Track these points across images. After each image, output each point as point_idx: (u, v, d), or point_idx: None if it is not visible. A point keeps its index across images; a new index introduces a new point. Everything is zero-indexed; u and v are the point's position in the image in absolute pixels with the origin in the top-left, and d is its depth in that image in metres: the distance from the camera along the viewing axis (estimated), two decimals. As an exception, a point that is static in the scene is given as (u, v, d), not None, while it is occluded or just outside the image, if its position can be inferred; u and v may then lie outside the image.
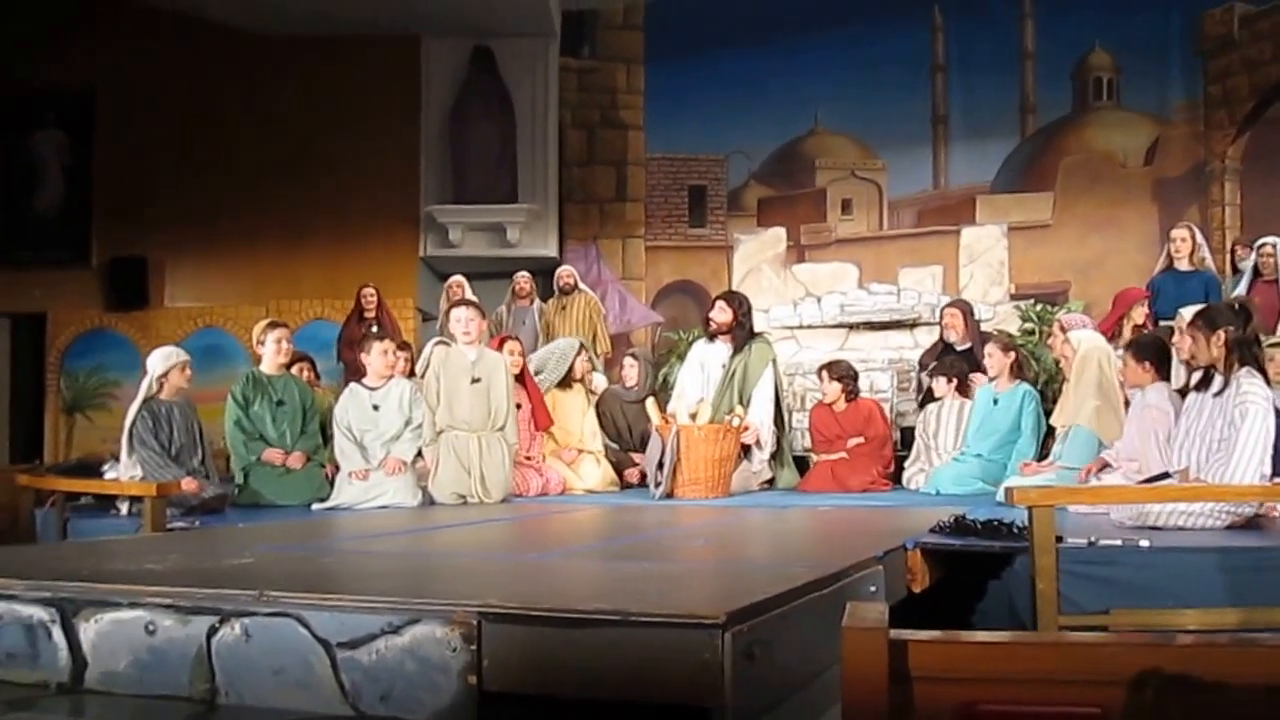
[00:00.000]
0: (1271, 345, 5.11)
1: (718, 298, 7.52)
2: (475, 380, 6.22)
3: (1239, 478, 3.93)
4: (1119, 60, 10.40)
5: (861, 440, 7.08)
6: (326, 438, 6.44)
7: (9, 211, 10.69)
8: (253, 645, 2.24)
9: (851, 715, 1.51)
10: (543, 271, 10.04)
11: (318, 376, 7.78)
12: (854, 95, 10.76)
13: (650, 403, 6.96)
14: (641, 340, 10.95)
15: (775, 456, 7.17)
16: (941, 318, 7.82)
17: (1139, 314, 7.31)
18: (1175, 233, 7.89)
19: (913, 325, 9.12)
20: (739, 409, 6.85)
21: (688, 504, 6.10)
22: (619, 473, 7.50)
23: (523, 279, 9.69)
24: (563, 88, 11.02)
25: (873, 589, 3.01)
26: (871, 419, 7.17)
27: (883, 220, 10.86)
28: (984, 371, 6.88)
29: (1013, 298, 9.77)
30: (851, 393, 7.21)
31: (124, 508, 5.46)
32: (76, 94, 10.67)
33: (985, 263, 10.11)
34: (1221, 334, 4.16)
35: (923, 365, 7.81)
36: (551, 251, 10.70)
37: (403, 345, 7.12)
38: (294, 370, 6.82)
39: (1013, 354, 6.74)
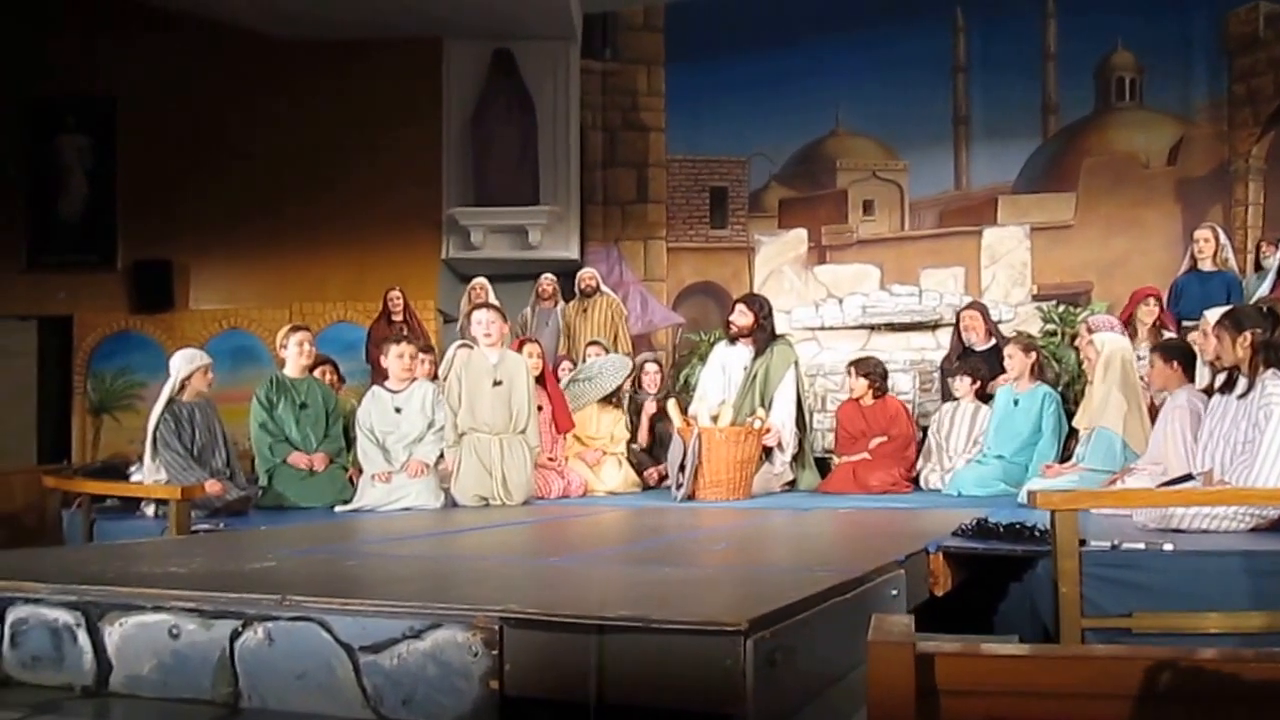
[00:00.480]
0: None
1: (737, 301, 7.52)
2: (497, 383, 6.23)
3: (1263, 480, 3.90)
4: (1142, 60, 10.33)
5: (885, 439, 7.07)
6: (349, 440, 6.47)
7: (35, 216, 10.79)
8: (275, 649, 2.25)
9: (877, 728, 1.51)
10: (564, 273, 10.05)
11: (341, 379, 7.81)
12: (875, 96, 10.72)
13: (672, 404, 6.97)
14: (663, 341, 10.96)
15: (797, 458, 7.16)
16: (959, 320, 7.79)
17: (1146, 313, 7.26)
18: (1199, 233, 7.84)
19: (934, 326, 9.10)
20: (760, 411, 6.84)
21: (709, 506, 6.10)
22: (639, 474, 7.53)
23: (546, 281, 9.72)
24: (584, 90, 11.03)
25: (894, 593, 3.00)
26: (897, 418, 7.18)
27: (904, 221, 10.82)
28: (1005, 372, 6.86)
29: (1035, 298, 9.72)
30: (879, 390, 7.21)
31: (149, 509, 5.50)
32: (99, 98, 10.76)
33: (1007, 263, 10.06)
34: (1247, 336, 4.14)
35: (945, 370, 7.78)
36: (573, 253, 10.71)
37: (427, 348, 7.14)
38: (317, 373, 6.86)
39: (1033, 355, 6.72)
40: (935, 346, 8.87)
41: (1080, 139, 10.50)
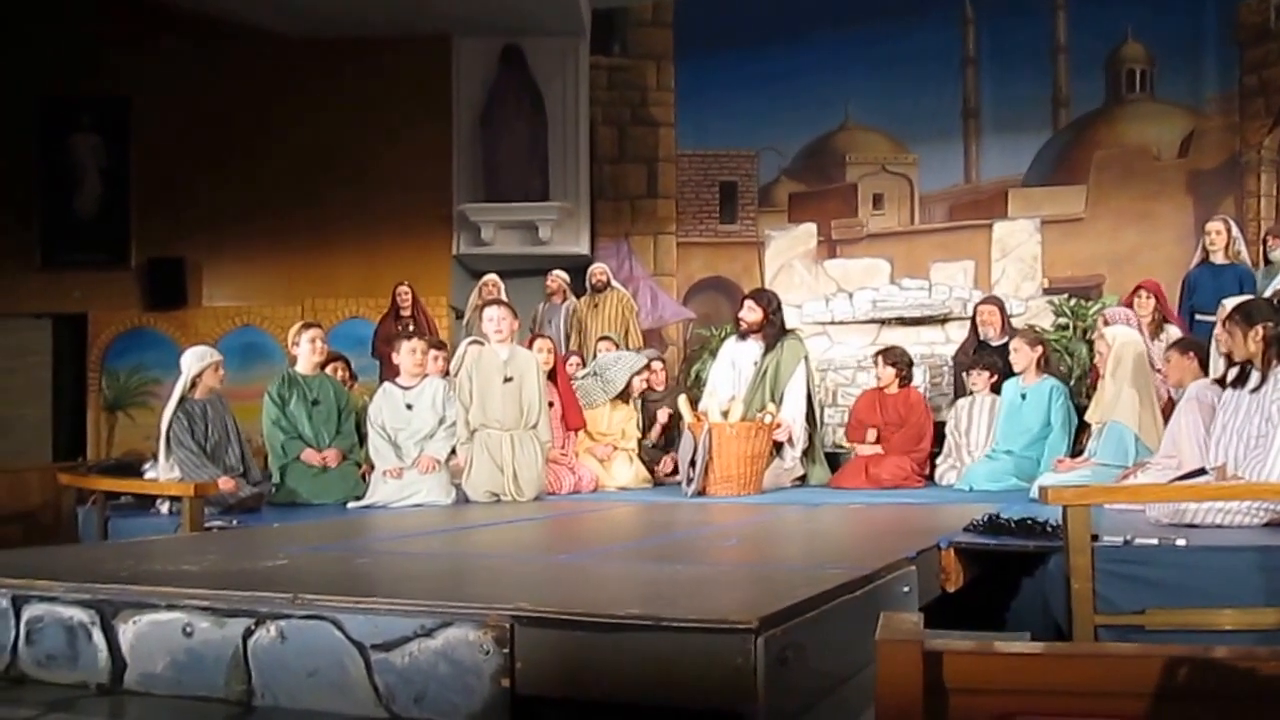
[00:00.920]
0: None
1: (746, 297, 7.51)
2: (508, 379, 6.24)
3: (1277, 475, 3.88)
4: (1152, 52, 10.29)
5: (887, 447, 7.05)
6: (361, 437, 6.48)
7: (49, 215, 10.84)
8: (288, 647, 2.26)
9: (886, 726, 1.51)
10: (575, 269, 10.07)
11: (353, 376, 7.83)
12: (884, 89, 10.70)
13: (682, 400, 6.97)
14: (674, 336, 10.97)
15: (807, 453, 7.16)
16: (976, 315, 7.76)
17: (1140, 306, 7.22)
18: (1211, 225, 7.78)
19: (944, 320, 9.06)
20: (771, 406, 6.84)
21: (720, 502, 6.10)
22: (650, 469, 7.54)
23: (553, 278, 9.74)
24: (593, 85, 11.05)
25: (906, 589, 3.00)
26: (916, 407, 7.20)
27: (914, 215, 10.81)
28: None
29: (1045, 292, 9.68)
30: (905, 379, 7.22)
31: (163, 507, 5.54)
32: (112, 98, 10.81)
33: (1018, 257, 10.01)
34: (1259, 329, 4.11)
35: (959, 365, 7.76)
36: (583, 249, 10.73)
37: (439, 344, 7.15)
38: (329, 370, 6.87)
39: (1040, 348, 6.67)
40: (945, 341, 8.85)
41: (1091, 132, 10.47)
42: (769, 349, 7.14)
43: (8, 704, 2.35)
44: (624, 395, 7.60)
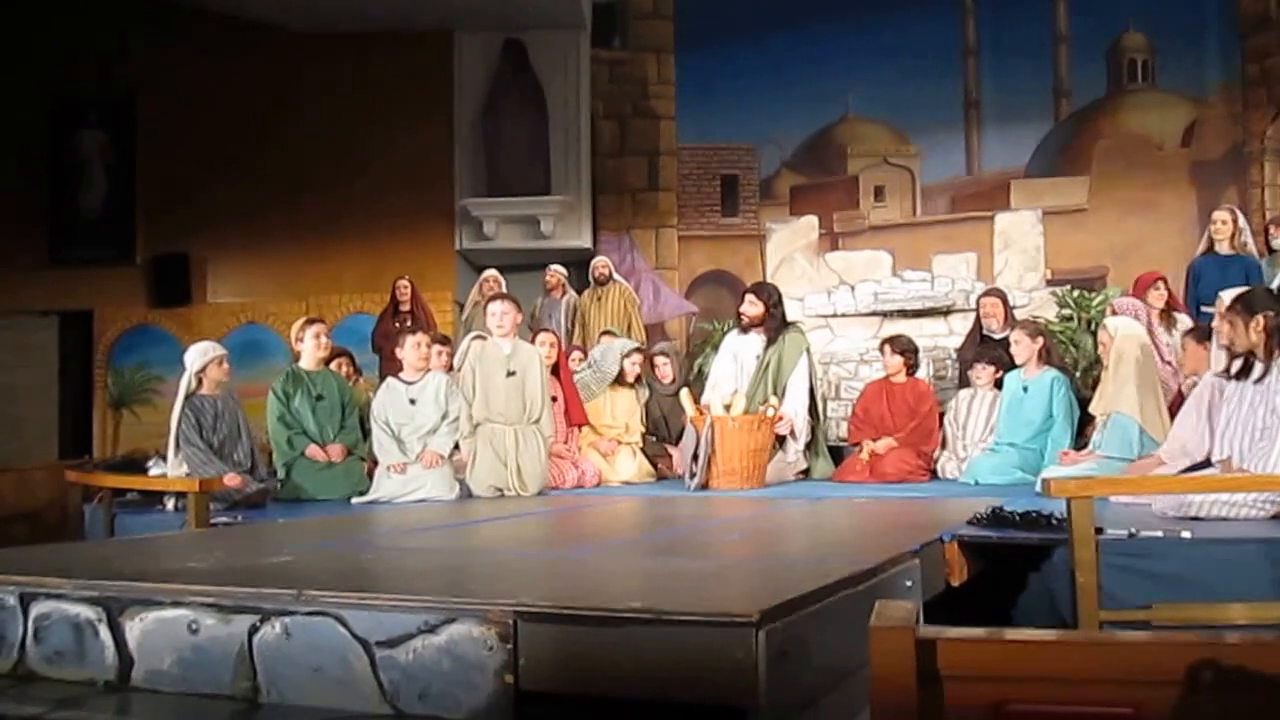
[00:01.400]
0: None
1: (747, 290, 7.50)
2: (510, 373, 6.25)
3: (1282, 466, 3.88)
4: (1154, 41, 10.27)
5: (899, 438, 7.03)
6: (366, 432, 6.50)
7: (55, 212, 10.87)
8: (293, 644, 2.28)
9: (880, 715, 1.51)
10: (577, 263, 10.07)
11: (357, 371, 7.84)
12: (885, 81, 10.69)
13: (685, 394, 6.98)
14: (676, 330, 10.97)
15: (810, 446, 7.16)
16: (979, 307, 7.74)
17: (1156, 297, 7.21)
18: (1217, 215, 7.74)
19: (947, 312, 9.06)
20: (773, 399, 6.84)
21: (723, 495, 6.09)
22: (653, 463, 7.53)
23: (551, 272, 9.75)
24: (594, 79, 11.03)
25: (909, 584, 3.00)
26: (925, 398, 7.17)
27: (916, 206, 10.80)
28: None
29: (1049, 283, 9.67)
30: (912, 367, 7.21)
31: (169, 503, 5.55)
32: (117, 94, 10.82)
33: (1020, 248, 10.00)
34: (1260, 319, 4.10)
35: (962, 357, 7.73)
36: (585, 242, 10.72)
37: (443, 339, 7.15)
38: (333, 365, 6.90)
39: (1040, 340, 6.65)
40: (948, 333, 8.84)
41: (1093, 122, 10.45)
42: (771, 342, 7.14)
43: (16, 701, 2.36)
44: (620, 380, 7.54)
